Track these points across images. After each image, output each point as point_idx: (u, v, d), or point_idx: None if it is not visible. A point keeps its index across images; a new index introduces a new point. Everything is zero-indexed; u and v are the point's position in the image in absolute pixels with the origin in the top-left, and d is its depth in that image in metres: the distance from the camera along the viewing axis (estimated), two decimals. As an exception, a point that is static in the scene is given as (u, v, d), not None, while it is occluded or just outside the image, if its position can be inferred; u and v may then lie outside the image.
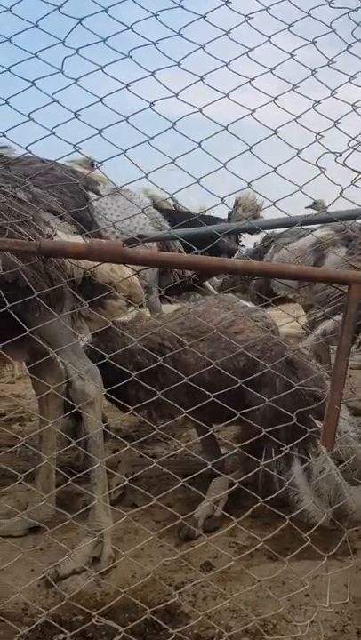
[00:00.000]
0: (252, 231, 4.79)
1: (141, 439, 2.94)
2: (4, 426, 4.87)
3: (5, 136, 2.00)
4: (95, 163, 4.84)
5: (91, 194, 2.62)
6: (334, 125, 2.21)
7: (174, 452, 3.18)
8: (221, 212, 5.62)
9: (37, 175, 2.37)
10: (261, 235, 5.38)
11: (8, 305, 1.98)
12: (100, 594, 2.55)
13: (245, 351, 2.80)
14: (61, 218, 2.38)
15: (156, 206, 4.78)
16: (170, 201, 5.99)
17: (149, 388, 2.31)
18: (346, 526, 2.71)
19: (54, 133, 1.97)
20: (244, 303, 3.93)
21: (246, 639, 2.22)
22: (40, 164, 2.53)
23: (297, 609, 2.36)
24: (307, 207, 6.29)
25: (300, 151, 2.09)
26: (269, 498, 2.24)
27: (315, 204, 6.51)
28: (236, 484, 2.21)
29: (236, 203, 5.54)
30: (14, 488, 3.08)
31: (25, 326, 2.04)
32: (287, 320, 2.93)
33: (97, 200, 2.70)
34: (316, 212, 6.15)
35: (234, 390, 2.36)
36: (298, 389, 2.62)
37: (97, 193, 2.69)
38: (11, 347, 2.09)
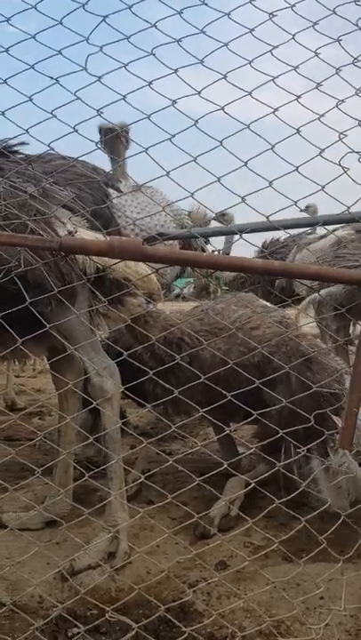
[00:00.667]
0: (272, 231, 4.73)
1: (159, 436, 2.93)
2: (24, 420, 4.93)
3: (28, 132, 2.02)
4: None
5: (111, 191, 2.63)
6: (358, 124, 2.18)
7: (191, 450, 3.17)
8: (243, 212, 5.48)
9: (57, 172, 2.38)
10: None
11: (28, 301, 2.00)
12: (114, 589, 2.57)
13: (259, 347, 2.78)
14: (76, 213, 2.38)
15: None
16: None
17: (166, 385, 2.32)
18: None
19: (76, 131, 1.98)
20: (264, 303, 3.92)
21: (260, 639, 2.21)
22: (60, 160, 2.54)
23: (311, 611, 2.35)
24: (301, 211, 6.12)
25: (322, 150, 2.06)
26: (285, 499, 2.23)
27: (307, 209, 6.40)
28: (252, 485, 2.20)
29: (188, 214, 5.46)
30: (32, 482, 3.12)
31: (44, 321, 2.06)
32: (308, 321, 2.90)
33: (118, 197, 2.70)
34: (308, 216, 6.08)
35: (249, 386, 2.35)
36: (314, 384, 2.59)
37: (118, 190, 2.70)
38: (29, 342, 2.10)
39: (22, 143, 2.60)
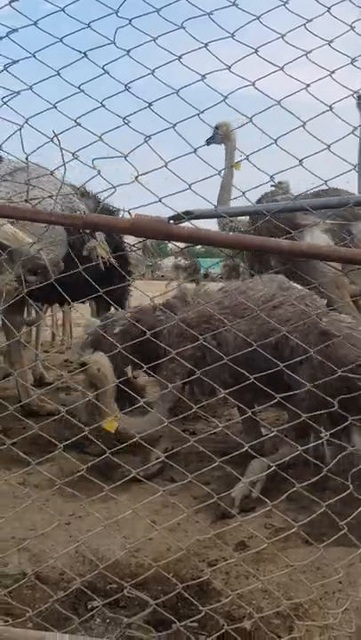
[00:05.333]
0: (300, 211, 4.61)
1: (182, 415, 2.94)
2: (51, 395, 4.99)
3: (56, 107, 2.00)
4: None
5: None
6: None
7: (213, 431, 3.17)
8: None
9: None
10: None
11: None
12: (134, 565, 2.60)
13: (278, 325, 2.76)
14: None
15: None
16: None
17: (188, 366, 2.31)
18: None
19: (104, 106, 1.96)
20: (295, 285, 3.86)
21: (277, 621, 2.22)
22: None
23: (330, 595, 2.34)
24: (272, 186, 5.91)
25: (355, 128, 2.00)
26: (307, 483, 2.21)
27: (279, 184, 6.23)
28: (273, 468, 2.18)
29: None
30: (57, 455, 3.15)
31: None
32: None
33: None
34: (282, 192, 5.94)
35: (269, 366, 2.32)
36: (337, 360, 2.55)
37: None
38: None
39: None
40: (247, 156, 1.97)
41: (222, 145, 5.02)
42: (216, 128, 4.94)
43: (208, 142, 4.92)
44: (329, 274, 4.19)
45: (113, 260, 3.97)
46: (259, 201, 4.66)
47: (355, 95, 2.03)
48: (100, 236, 4.02)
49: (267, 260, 4.67)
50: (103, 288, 2.12)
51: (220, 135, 4.98)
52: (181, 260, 9.79)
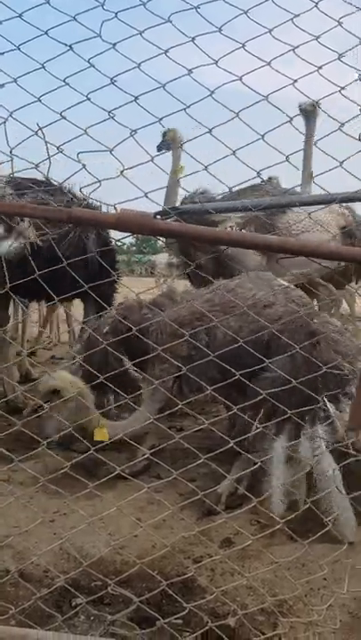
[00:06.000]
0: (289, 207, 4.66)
1: (167, 412, 2.93)
2: (36, 392, 4.95)
3: (40, 101, 1.98)
4: None
5: None
6: (381, 98, 2.10)
7: (199, 427, 3.16)
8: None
9: None
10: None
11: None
12: (119, 562, 2.59)
13: (268, 325, 2.75)
14: None
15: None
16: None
17: (176, 363, 2.30)
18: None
19: (89, 99, 1.94)
20: (282, 281, 3.86)
21: (261, 618, 2.22)
22: None
23: (315, 592, 2.35)
24: (262, 181, 5.99)
25: (342, 124, 1.99)
26: (292, 479, 2.21)
27: (269, 180, 6.29)
28: (258, 464, 2.18)
29: None
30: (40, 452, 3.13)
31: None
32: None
33: None
34: (271, 187, 6.05)
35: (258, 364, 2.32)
36: (317, 363, 2.56)
37: None
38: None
39: None
40: (234, 151, 1.95)
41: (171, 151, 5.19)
42: (164, 135, 5.07)
43: (158, 148, 5.11)
44: (251, 264, 4.33)
45: (39, 241, 3.86)
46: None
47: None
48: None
49: (194, 253, 4.77)
50: (90, 285, 2.10)
51: (168, 141, 5.13)
52: (174, 258, 9.79)
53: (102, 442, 2.61)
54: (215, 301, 3.33)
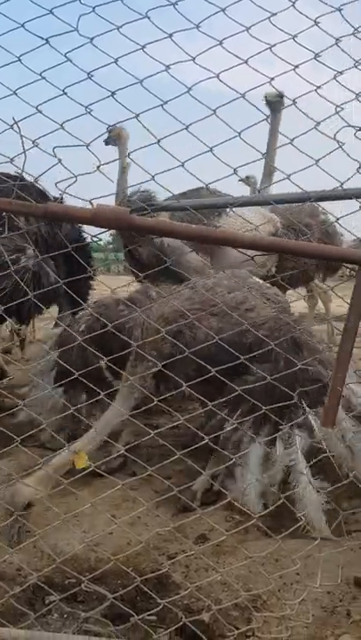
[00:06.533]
0: (263, 205, 4.71)
1: (142, 409, 2.93)
2: (9, 390, 4.91)
3: (16, 94, 1.96)
4: None
5: None
6: (356, 98, 2.12)
7: (174, 424, 3.17)
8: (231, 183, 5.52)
9: None
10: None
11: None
12: (94, 559, 2.58)
13: (253, 329, 2.76)
14: None
15: None
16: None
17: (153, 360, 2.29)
18: (343, 508, 2.70)
19: (66, 94, 1.92)
20: (256, 279, 3.89)
21: (235, 613, 2.23)
22: None
23: (288, 587, 2.37)
24: (239, 181, 6.14)
25: (318, 123, 2.01)
26: (267, 476, 2.23)
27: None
28: (233, 460, 2.19)
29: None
30: (14, 450, 3.10)
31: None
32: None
33: None
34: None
35: (239, 366, 2.33)
36: (300, 371, 2.58)
37: None
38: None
39: None
40: (211, 148, 1.96)
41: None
42: (110, 131, 5.17)
43: (106, 143, 5.26)
44: (193, 263, 4.41)
45: None
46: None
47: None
48: None
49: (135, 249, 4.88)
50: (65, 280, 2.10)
51: (113, 138, 5.26)
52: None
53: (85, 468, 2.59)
54: (195, 300, 3.33)
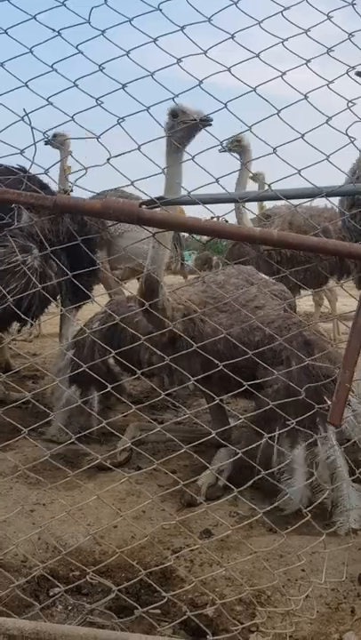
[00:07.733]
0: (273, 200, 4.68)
1: (147, 403, 2.93)
2: (18, 383, 4.93)
3: (27, 86, 1.96)
4: None
5: None
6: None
7: (179, 419, 3.17)
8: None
9: None
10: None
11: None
12: (98, 552, 2.58)
13: (263, 326, 2.76)
14: None
15: None
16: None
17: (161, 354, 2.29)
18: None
19: (77, 85, 1.92)
20: (263, 276, 3.88)
21: (240, 608, 2.23)
22: None
23: (293, 583, 2.36)
24: (250, 178, 6.14)
25: (329, 118, 2.00)
26: (270, 471, 2.23)
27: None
28: (239, 455, 2.19)
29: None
30: (21, 443, 3.12)
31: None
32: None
33: None
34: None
35: (247, 364, 2.33)
36: (314, 371, 2.58)
37: None
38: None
39: None
40: (221, 142, 1.96)
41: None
42: (54, 136, 5.21)
43: (46, 142, 5.23)
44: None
45: None
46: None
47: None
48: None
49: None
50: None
51: (56, 144, 5.32)
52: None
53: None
54: (208, 294, 3.32)
